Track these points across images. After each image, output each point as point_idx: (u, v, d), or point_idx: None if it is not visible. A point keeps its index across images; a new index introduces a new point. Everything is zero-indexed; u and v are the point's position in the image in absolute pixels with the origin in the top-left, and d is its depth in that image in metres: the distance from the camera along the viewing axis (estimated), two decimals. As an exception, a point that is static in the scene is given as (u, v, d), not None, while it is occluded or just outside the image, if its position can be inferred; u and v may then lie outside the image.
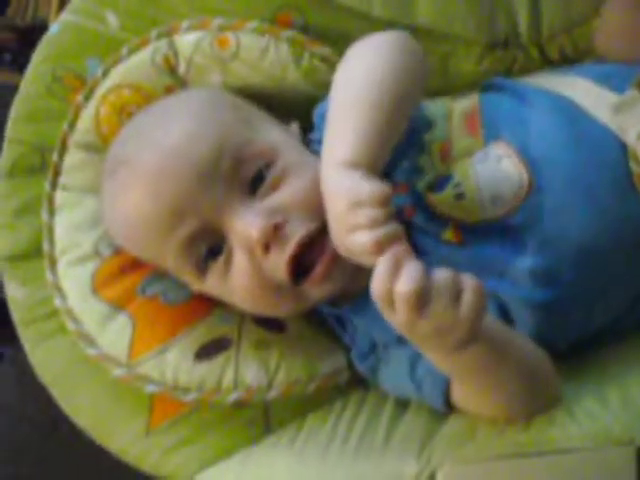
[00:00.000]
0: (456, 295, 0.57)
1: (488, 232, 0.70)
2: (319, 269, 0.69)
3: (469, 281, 0.58)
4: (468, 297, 0.57)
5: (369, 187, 0.59)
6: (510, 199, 0.69)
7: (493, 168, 0.70)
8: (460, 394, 0.69)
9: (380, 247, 0.57)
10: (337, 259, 0.68)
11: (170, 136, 0.70)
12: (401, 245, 0.58)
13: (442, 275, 0.57)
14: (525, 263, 0.68)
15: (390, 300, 0.56)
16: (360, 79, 0.67)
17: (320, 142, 0.69)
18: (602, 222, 0.68)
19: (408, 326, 0.58)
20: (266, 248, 0.67)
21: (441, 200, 0.71)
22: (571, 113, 0.72)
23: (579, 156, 0.69)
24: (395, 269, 0.56)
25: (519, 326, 0.70)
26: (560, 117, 0.72)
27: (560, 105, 0.73)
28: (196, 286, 0.75)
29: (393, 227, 0.58)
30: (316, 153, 0.73)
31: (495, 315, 0.69)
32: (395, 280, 0.56)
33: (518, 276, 0.69)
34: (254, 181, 0.70)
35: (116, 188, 0.73)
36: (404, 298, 0.56)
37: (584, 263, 0.68)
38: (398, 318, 0.57)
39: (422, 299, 0.56)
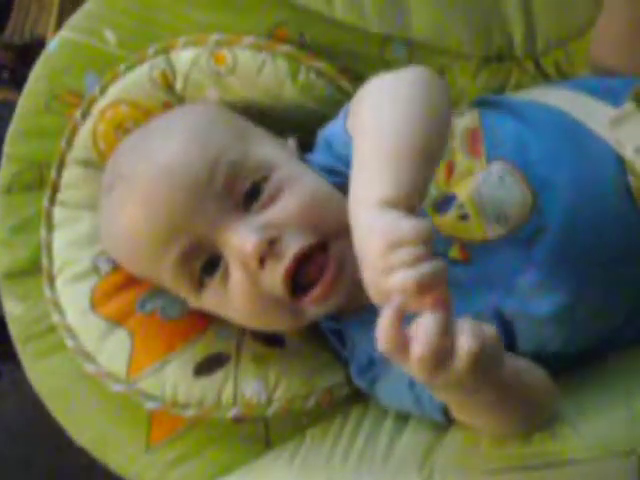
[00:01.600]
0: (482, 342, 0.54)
1: (494, 249, 0.69)
2: (319, 289, 0.69)
3: (489, 330, 0.56)
4: (489, 345, 0.55)
5: (409, 224, 0.54)
6: (515, 218, 0.69)
7: (496, 187, 0.70)
8: (460, 416, 0.68)
9: (424, 287, 0.52)
10: (337, 278, 0.68)
11: (164, 153, 0.70)
12: (443, 287, 0.53)
13: (463, 326, 0.54)
14: (530, 278, 0.68)
15: (402, 349, 0.54)
16: (394, 120, 0.63)
17: (320, 166, 0.71)
18: (604, 236, 0.68)
19: (428, 376, 0.55)
20: (261, 263, 0.67)
21: (446, 222, 0.70)
22: (570, 128, 0.72)
23: (580, 171, 0.70)
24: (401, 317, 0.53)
25: (521, 342, 0.70)
26: (559, 133, 0.72)
27: (559, 120, 0.73)
28: (193, 302, 0.75)
29: (437, 265, 0.53)
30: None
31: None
32: (411, 341, 0.53)
33: (524, 290, 0.69)
34: (249, 196, 0.70)
35: (112, 206, 0.73)
36: (420, 362, 0.53)
37: (588, 274, 0.68)
38: (413, 366, 0.54)
39: (440, 357, 0.53)
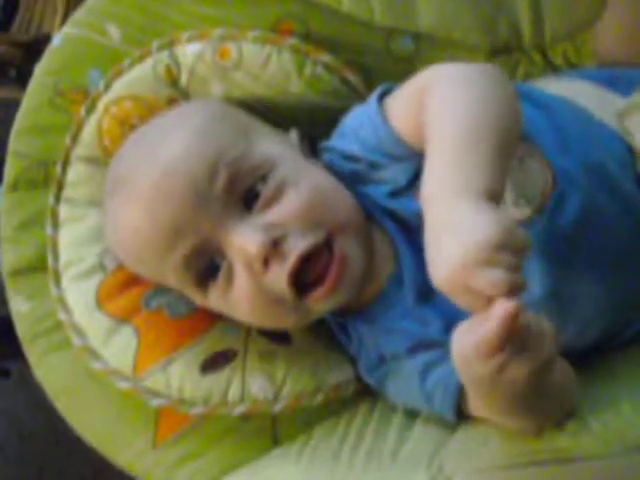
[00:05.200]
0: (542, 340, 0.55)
1: None
2: (323, 288, 0.68)
3: (548, 324, 0.56)
4: (551, 345, 0.56)
5: (524, 234, 0.56)
6: (536, 199, 0.68)
7: (517, 169, 0.69)
8: (480, 412, 0.68)
9: (511, 291, 0.53)
10: (341, 276, 0.68)
11: (166, 154, 0.70)
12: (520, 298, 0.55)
13: (538, 322, 0.55)
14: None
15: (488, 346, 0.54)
16: (482, 115, 0.63)
17: (340, 152, 0.72)
18: (614, 223, 0.68)
19: (497, 371, 0.55)
20: (265, 263, 0.67)
21: None
22: (580, 117, 0.72)
23: (591, 159, 0.69)
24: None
25: None
26: (570, 121, 0.71)
27: (569, 109, 0.73)
28: (199, 301, 0.75)
29: (524, 280, 0.55)
30: (327, 161, 0.74)
31: None
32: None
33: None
34: (251, 195, 0.69)
35: (115, 207, 0.73)
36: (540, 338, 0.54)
37: (593, 259, 0.68)
38: (490, 364, 0.55)
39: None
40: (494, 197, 0.58)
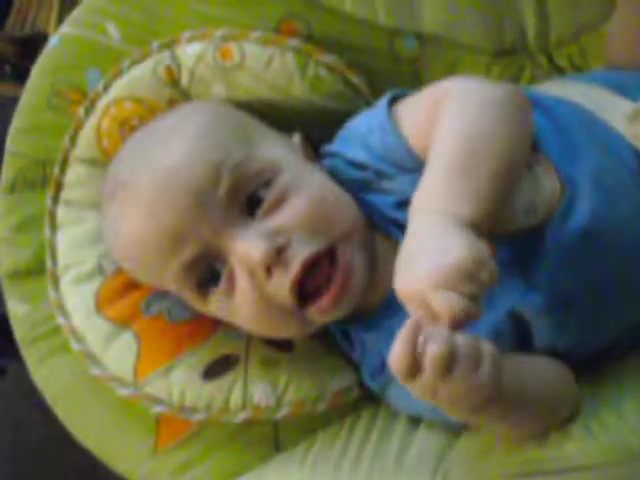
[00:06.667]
0: (476, 361, 0.56)
1: (514, 243, 0.68)
2: (325, 300, 0.68)
3: (488, 347, 0.57)
4: (487, 365, 0.56)
5: (494, 266, 0.56)
6: (543, 208, 0.68)
7: (525, 177, 0.68)
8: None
9: (463, 319, 0.55)
10: (344, 287, 0.67)
11: (166, 159, 0.69)
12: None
13: (465, 341, 0.56)
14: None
15: (412, 366, 0.55)
16: (488, 138, 0.63)
17: (346, 159, 0.71)
18: (624, 228, 0.68)
19: (430, 390, 0.56)
20: (268, 271, 0.66)
21: None
22: (588, 121, 0.71)
23: (599, 165, 0.69)
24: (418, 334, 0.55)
25: (538, 342, 0.69)
26: (578, 126, 0.71)
27: (577, 114, 0.72)
28: (200, 308, 0.74)
29: (479, 310, 0.56)
30: (330, 166, 0.74)
31: (514, 335, 0.68)
32: (423, 344, 0.55)
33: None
34: (254, 201, 0.68)
35: (115, 212, 0.71)
36: (432, 360, 0.54)
37: (602, 267, 0.67)
38: (421, 382, 0.56)
39: (449, 363, 0.55)
40: (478, 225, 0.59)
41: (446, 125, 0.64)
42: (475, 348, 0.56)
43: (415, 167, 0.69)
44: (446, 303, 0.54)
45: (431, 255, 0.56)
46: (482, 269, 0.55)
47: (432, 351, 0.54)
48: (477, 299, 0.55)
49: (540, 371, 0.67)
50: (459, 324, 0.55)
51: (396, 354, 0.55)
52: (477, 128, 0.63)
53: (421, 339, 0.55)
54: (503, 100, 0.65)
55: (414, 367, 0.55)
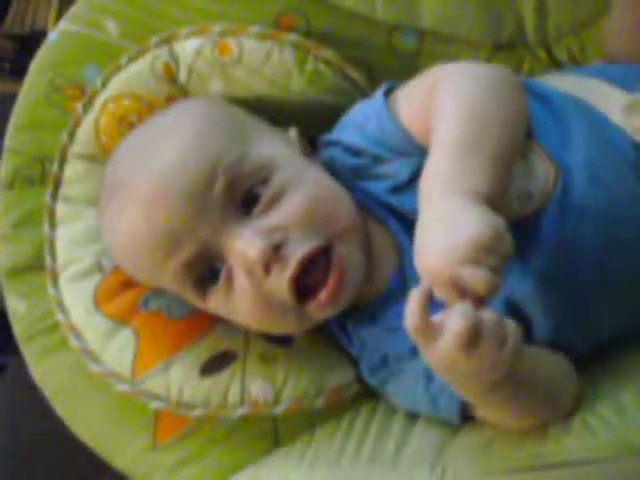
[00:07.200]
0: (501, 339, 0.56)
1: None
2: (323, 295, 0.68)
3: (513, 326, 0.58)
4: (511, 343, 0.57)
5: (511, 240, 0.57)
6: (538, 195, 0.68)
7: (520, 165, 0.68)
8: (482, 413, 0.68)
9: (490, 291, 0.56)
10: (341, 282, 0.67)
11: (163, 158, 0.68)
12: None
13: (492, 318, 0.56)
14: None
15: (430, 333, 0.56)
16: (490, 114, 0.64)
17: (346, 146, 0.71)
18: (620, 219, 0.67)
19: (449, 363, 0.57)
20: (266, 269, 0.66)
21: None
22: (586, 114, 0.71)
23: (595, 156, 0.69)
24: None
25: (537, 334, 0.69)
26: (576, 118, 0.71)
27: (575, 105, 0.72)
28: (198, 305, 0.74)
29: (502, 281, 0.57)
30: (328, 156, 0.74)
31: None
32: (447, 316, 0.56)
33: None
34: (250, 199, 0.68)
35: (112, 212, 0.71)
36: (455, 334, 0.55)
37: (602, 261, 0.67)
38: (440, 352, 0.56)
39: (475, 338, 0.55)
40: (492, 200, 0.59)
41: (447, 105, 0.65)
42: (500, 326, 0.57)
43: (412, 151, 0.69)
44: (473, 278, 0.55)
45: (453, 234, 0.57)
46: (502, 241, 0.56)
47: (459, 324, 0.54)
48: (499, 271, 0.56)
49: (546, 360, 0.67)
50: (489, 296, 0.56)
51: (410, 310, 0.56)
52: (477, 105, 0.64)
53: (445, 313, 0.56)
54: (497, 79, 0.66)
55: (429, 329, 0.56)
